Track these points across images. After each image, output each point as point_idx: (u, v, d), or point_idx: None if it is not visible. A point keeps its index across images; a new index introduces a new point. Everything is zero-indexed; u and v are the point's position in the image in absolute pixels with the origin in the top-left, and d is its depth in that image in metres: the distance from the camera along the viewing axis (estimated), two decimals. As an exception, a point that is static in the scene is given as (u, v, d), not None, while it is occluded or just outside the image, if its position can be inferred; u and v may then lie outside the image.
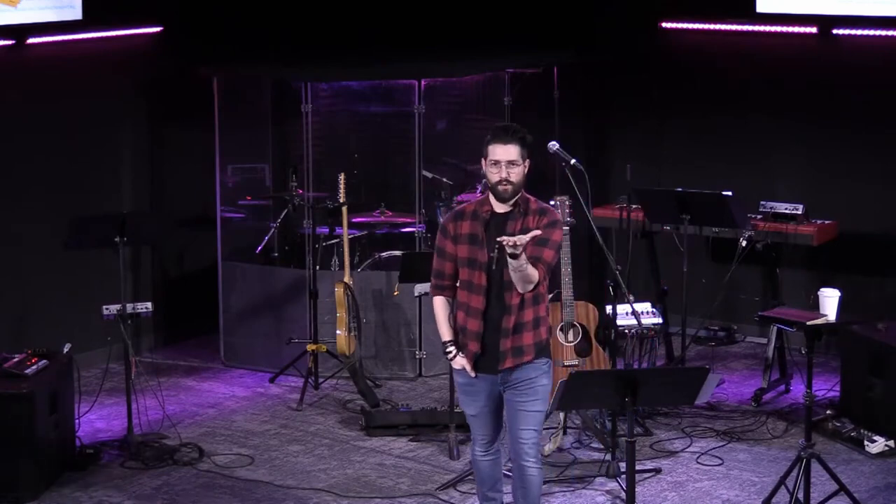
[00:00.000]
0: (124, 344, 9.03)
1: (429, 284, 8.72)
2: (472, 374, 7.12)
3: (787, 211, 10.16)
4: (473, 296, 7.06)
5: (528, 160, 7.04)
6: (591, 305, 9.15)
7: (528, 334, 7.05)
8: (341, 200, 10.20)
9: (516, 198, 7.02)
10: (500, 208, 7.05)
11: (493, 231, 7.00)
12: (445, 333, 7.22)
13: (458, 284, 7.18)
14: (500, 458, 7.41)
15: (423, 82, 10.60)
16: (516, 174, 6.98)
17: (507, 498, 7.52)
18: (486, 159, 7.03)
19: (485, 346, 7.08)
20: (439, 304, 7.25)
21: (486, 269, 7.03)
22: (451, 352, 7.18)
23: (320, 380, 10.28)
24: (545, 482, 8.44)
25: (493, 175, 6.99)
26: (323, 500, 8.39)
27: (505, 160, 6.96)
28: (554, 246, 7.01)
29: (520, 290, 6.96)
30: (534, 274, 6.88)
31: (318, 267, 10.26)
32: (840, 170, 10.91)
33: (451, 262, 7.15)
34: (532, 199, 7.09)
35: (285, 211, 10.68)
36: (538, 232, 6.84)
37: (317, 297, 10.23)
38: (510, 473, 7.37)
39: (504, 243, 6.69)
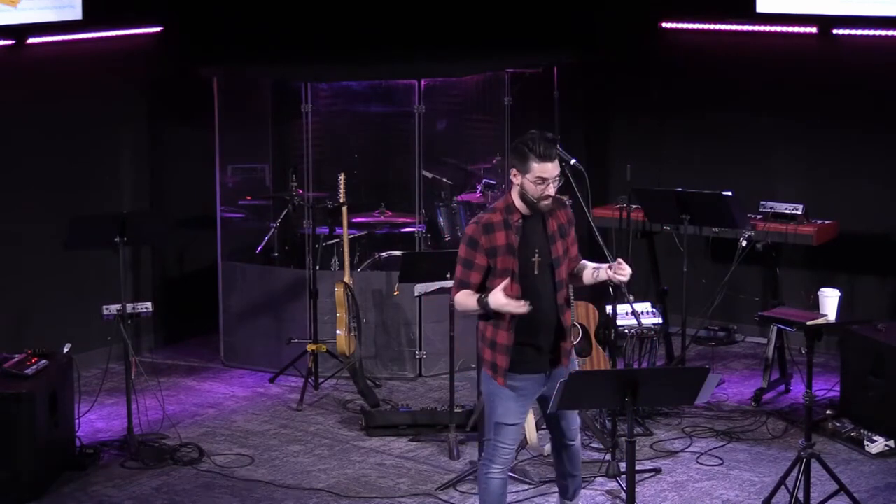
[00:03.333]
0: (124, 344, 9.03)
1: (429, 285, 8.74)
2: (524, 308, 6.93)
3: (787, 211, 10.17)
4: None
5: None
6: (590, 305, 9.16)
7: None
8: (341, 200, 10.20)
9: None
10: (527, 212, 7.05)
11: (531, 235, 7.04)
12: (475, 300, 7.02)
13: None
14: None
15: (423, 82, 10.60)
16: (557, 185, 7.02)
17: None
18: (524, 172, 6.95)
19: (537, 347, 7.08)
20: (462, 296, 7.11)
21: (519, 279, 7.01)
22: (484, 299, 6.98)
23: (320, 380, 10.28)
24: (545, 482, 8.48)
25: (537, 191, 6.96)
26: (323, 500, 8.39)
27: (552, 177, 6.96)
28: None
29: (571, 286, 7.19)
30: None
31: (318, 267, 10.26)
32: (840, 170, 10.91)
33: (478, 272, 7.06)
34: None
35: (285, 211, 10.68)
36: (624, 270, 7.06)
37: (317, 297, 10.23)
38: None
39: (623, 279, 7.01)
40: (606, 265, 7.16)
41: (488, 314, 7.07)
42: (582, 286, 7.40)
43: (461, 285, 7.10)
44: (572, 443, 7.39)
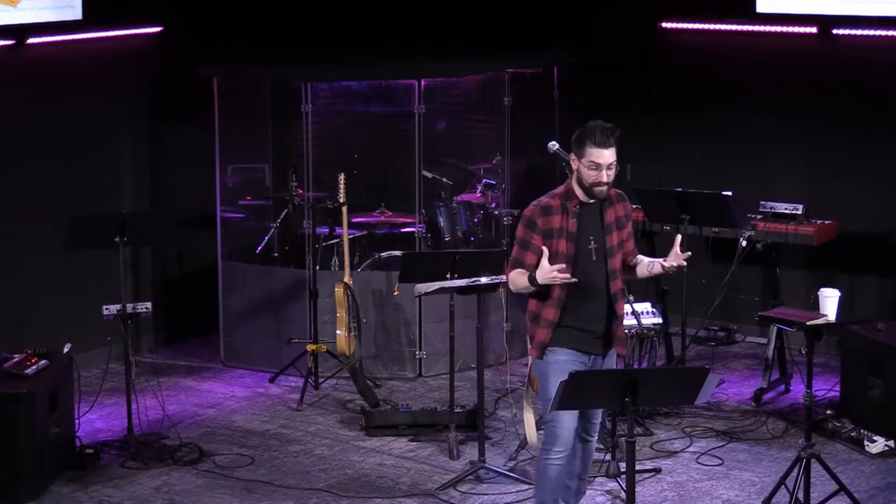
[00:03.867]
0: (124, 344, 9.03)
1: (429, 285, 8.74)
2: (567, 274, 7.03)
3: (787, 211, 10.17)
4: (556, 287, 7.13)
5: None
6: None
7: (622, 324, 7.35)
8: (341, 200, 10.20)
9: None
10: (585, 199, 7.14)
11: (588, 222, 7.15)
12: (526, 278, 7.14)
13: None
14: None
15: (423, 82, 10.60)
16: (613, 175, 7.10)
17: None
18: (580, 157, 7.08)
19: (585, 331, 7.19)
20: (515, 273, 7.23)
21: (573, 262, 7.12)
22: (534, 275, 7.08)
23: (320, 380, 10.28)
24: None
25: (591, 176, 7.07)
26: (323, 500, 8.39)
27: (606, 164, 7.05)
28: None
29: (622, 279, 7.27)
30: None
31: (318, 267, 10.26)
32: (840, 170, 10.91)
33: (535, 253, 7.16)
34: None
35: (285, 211, 10.68)
36: (688, 253, 7.19)
37: (317, 297, 10.23)
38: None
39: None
40: (661, 259, 7.30)
41: (539, 292, 7.17)
42: (636, 279, 7.52)
43: (515, 264, 7.24)
44: (590, 439, 7.46)
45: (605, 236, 7.21)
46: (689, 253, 7.27)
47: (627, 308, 8.70)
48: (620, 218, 7.28)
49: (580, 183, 7.13)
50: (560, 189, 7.25)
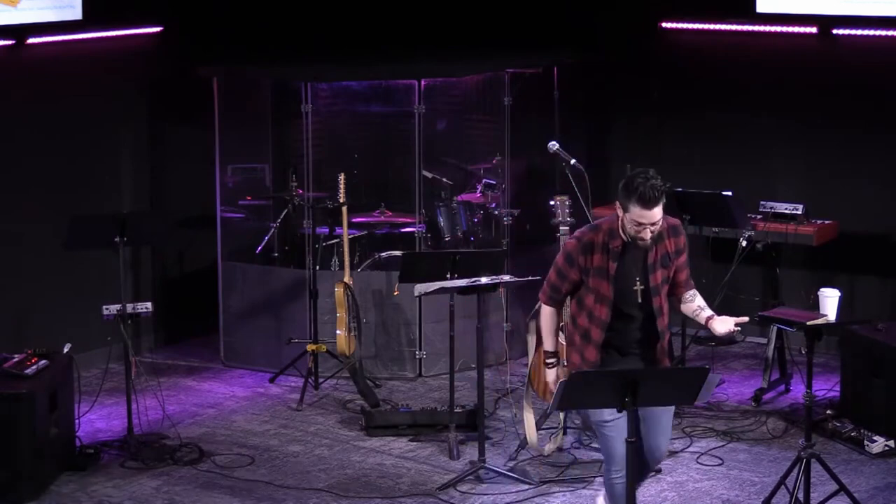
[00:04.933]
0: (124, 344, 9.03)
1: (429, 285, 8.74)
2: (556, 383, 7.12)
3: (787, 211, 10.17)
4: (593, 328, 7.08)
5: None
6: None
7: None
8: (341, 200, 10.20)
9: None
10: (628, 239, 7.00)
11: (630, 262, 7.01)
12: (550, 345, 7.29)
13: (581, 311, 7.16)
14: None
15: (423, 82, 10.60)
16: (657, 229, 6.95)
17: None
18: (625, 210, 6.88)
19: (621, 359, 7.15)
20: (548, 314, 7.27)
21: (609, 304, 7.02)
22: (551, 363, 7.29)
23: (320, 380, 10.28)
24: (545, 482, 8.48)
25: (634, 231, 6.91)
26: (323, 500, 8.39)
27: (650, 223, 6.89)
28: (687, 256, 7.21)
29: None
30: None
31: (318, 267, 10.26)
32: (840, 170, 10.91)
33: (569, 285, 7.14)
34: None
35: (285, 211, 10.68)
36: (745, 319, 7.10)
37: (317, 297, 10.23)
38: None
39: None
40: (711, 313, 7.22)
41: (588, 314, 7.14)
42: (679, 313, 7.39)
43: (553, 290, 7.20)
44: (654, 466, 7.40)
45: (649, 276, 7.05)
46: (746, 319, 7.19)
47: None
48: (668, 255, 7.07)
49: (623, 228, 6.98)
50: (605, 223, 7.06)
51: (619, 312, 7.06)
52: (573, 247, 7.08)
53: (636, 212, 6.84)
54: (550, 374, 7.37)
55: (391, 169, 11.27)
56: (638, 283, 7.03)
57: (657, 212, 6.86)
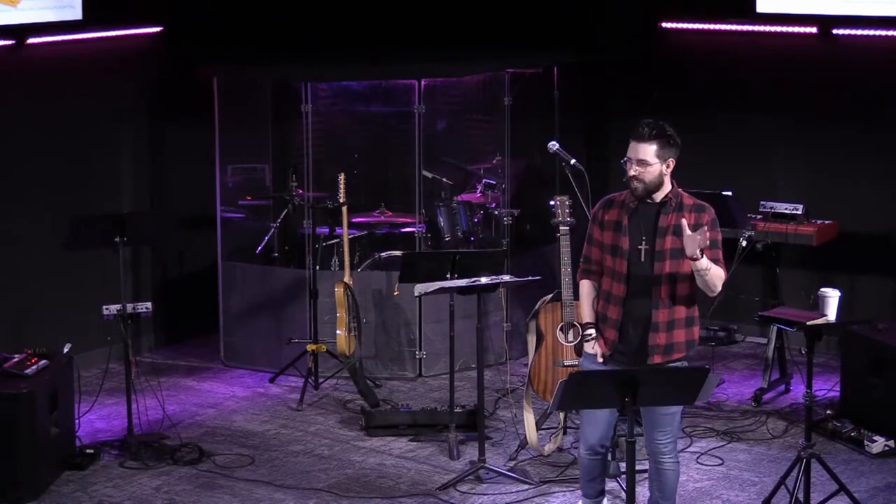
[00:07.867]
0: (124, 344, 9.03)
1: (429, 285, 8.75)
2: (600, 360, 7.18)
3: (787, 211, 10.17)
4: (615, 283, 7.15)
5: (670, 159, 7.06)
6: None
7: (679, 332, 7.20)
8: (341, 200, 10.20)
9: (667, 191, 7.09)
10: (649, 199, 7.10)
11: (641, 221, 7.10)
12: (587, 315, 7.30)
13: (599, 297, 7.24)
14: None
15: (423, 82, 10.60)
16: (649, 174, 7.01)
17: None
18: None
19: (626, 338, 7.15)
20: (586, 286, 7.33)
21: (627, 257, 7.09)
22: (590, 334, 7.25)
23: (320, 380, 10.28)
24: (545, 482, 8.48)
25: (628, 169, 7.06)
26: (323, 500, 8.39)
27: (635, 158, 7.01)
28: (721, 244, 7.12)
29: (709, 295, 7.09)
30: (718, 275, 7.01)
31: (318, 267, 10.26)
32: (840, 170, 10.91)
33: (597, 247, 7.22)
34: (686, 194, 7.17)
35: (285, 211, 10.68)
36: (707, 231, 6.90)
37: (317, 297, 10.23)
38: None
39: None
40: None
41: (602, 292, 7.22)
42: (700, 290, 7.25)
43: (584, 260, 7.30)
44: (663, 460, 7.29)
45: (657, 238, 7.07)
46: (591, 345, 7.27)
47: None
48: (687, 227, 6.98)
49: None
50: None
51: (633, 290, 7.07)
52: (597, 206, 7.27)
53: (629, 147, 7.03)
54: (588, 347, 7.27)
55: (391, 169, 11.27)
56: (644, 242, 7.07)
57: (644, 149, 7.00)
